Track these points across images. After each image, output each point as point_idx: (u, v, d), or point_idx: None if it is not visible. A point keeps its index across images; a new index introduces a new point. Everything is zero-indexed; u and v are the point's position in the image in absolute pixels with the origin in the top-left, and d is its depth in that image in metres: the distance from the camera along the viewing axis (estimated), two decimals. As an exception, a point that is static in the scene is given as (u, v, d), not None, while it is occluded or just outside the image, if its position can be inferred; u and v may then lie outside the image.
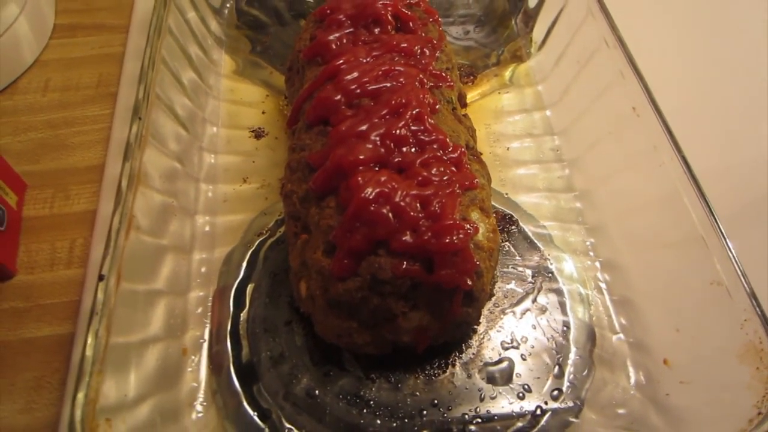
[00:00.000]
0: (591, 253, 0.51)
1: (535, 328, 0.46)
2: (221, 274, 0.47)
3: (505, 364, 0.44)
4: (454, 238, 0.37)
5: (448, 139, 0.42)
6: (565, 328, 0.46)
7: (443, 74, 0.48)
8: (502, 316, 0.46)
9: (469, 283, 0.38)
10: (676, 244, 0.45)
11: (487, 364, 0.44)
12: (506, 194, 0.54)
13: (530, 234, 0.52)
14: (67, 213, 0.53)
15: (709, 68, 0.66)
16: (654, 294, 0.46)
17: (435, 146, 0.41)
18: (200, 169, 0.53)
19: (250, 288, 0.47)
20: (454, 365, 0.43)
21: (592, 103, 0.55)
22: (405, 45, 0.47)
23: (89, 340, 0.34)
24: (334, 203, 0.40)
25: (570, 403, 0.42)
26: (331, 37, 0.48)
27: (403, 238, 0.37)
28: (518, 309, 0.47)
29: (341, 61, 0.46)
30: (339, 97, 0.43)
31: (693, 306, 0.43)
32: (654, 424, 0.41)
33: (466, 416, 0.41)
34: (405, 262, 0.37)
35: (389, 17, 0.49)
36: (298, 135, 0.46)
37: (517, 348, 0.45)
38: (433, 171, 0.40)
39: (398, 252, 0.37)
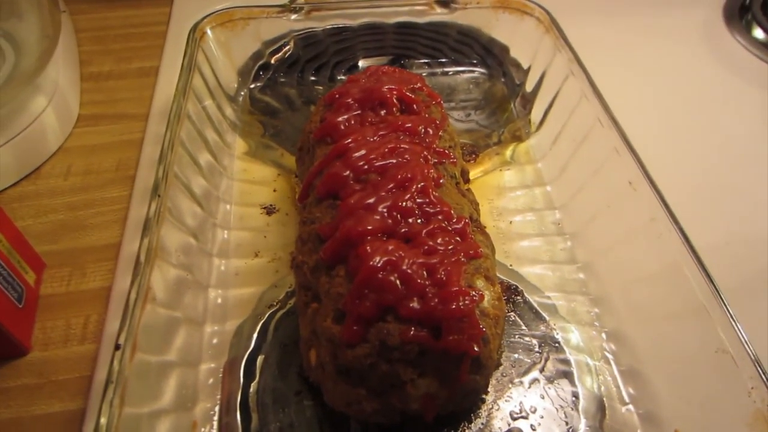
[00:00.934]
0: (596, 323, 0.51)
1: (543, 398, 0.46)
2: (232, 345, 0.48)
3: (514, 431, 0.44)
4: (460, 304, 0.38)
5: (452, 211, 0.44)
6: (574, 399, 0.46)
7: (446, 151, 0.51)
8: (510, 385, 0.46)
9: (476, 349, 0.38)
10: (679, 313, 0.46)
11: (497, 435, 0.43)
12: (510, 265, 0.55)
13: (535, 305, 0.52)
14: (83, 290, 0.54)
15: (703, 144, 0.69)
16: (661, 364, 0.46)
17: (440, 217, 0.43)
18: (214, 245, 0.55)
19: (260, 359, 0.47)
20: (463, 436, 0.43)
21: (590, 179, 0.57)
22: (409, 125, 0.51)
23: (104, 409, 0.34)
24: (344, 272, 0.41)
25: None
26: (340, 119, 0.52)
27: (411, 305, 0.38)
28: (526, 379, 0.47)
29: (349, 140, 0.49)
30: (348, 172, 0.46)
31: (700, 375, 0.43)
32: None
33: (478, 491, 0.40)
34: (413, 328, 0.38)
35: (394, 100, 0.53)
36: (308, 209, 0.48)
37: (526, 418, 0.44)
38: (439, 240, 0.42)
39: (406, 318, 0.38)
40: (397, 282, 0.39)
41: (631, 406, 0.46)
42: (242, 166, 0.64)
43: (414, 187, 0.44)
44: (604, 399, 0.46)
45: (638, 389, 0.46)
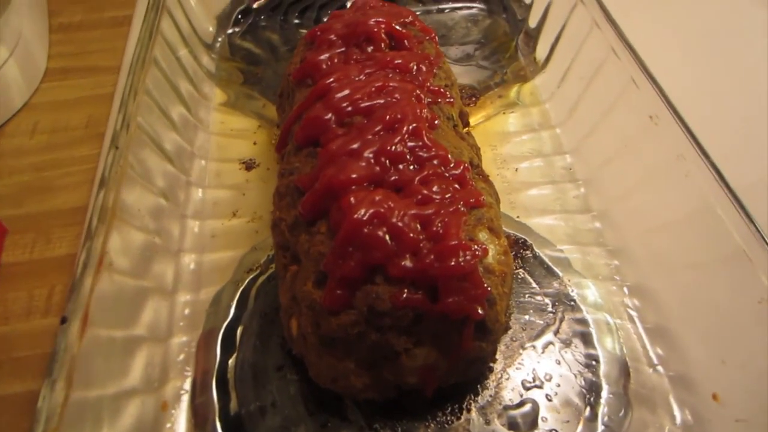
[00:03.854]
0: (616, 278, 0.46)
1: (559, 363, 0.41)
2: (208, 316, 0.43)
3: (527, 407, 0.39)
4: (461, 260, 0.33)
5: (449, 155, 0.38)
6: (594, 363, 0.41)
7: (442, 90, 0.45)
8: (521, 351, 0.41)
9: (480, 312, 0.33)
10: (711, 261, 0.40)
11: (507, 408, 0.38)
12: (517, 217, 0.50)
13: (546, 259, 0.47)
14: (48, 258, 0.49)
15: (731, 75, 0.63)
16: (692, 319, 0.41)
17: (435, 162, 0.38)
18: (187, 205, 0.50)
19: (239, 331, 0.42)
20: (469, 410, 0.38)
21: (604, 117, 0.51)
22: (400, 61, 0.44)
23: (44, 392, 0.29)
24: (325, 228, 0.36)
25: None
26: (322, 57, 0.45)
27: (402, 263, 0.33)
28: (539, 343, 0.42)
29: (331, 80, 0.42)
30: (329, 115, 0.40)
31: (739, 330, 0.37)
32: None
33: (486, 469, 0.36)
34: (406, 291, 0.33)
35: (382, 35, 0.47)
36: (287, 159, 0.42)
37: (540, 387, 0.39)
38: (434, 188, 0.36)
39: (397, 279, 0.33)
40: (386, 237, 0.33)
41: (660, 368, 0.40)
42: (220, 118, 0.58)
43: (405, 128, 0.38)
44: (628, 361, 0.41)
45: (667, 349, 0.41)
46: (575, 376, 0.40)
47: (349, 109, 0.40)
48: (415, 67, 0.45)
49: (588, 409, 0.38)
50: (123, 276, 0.38)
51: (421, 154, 0.38)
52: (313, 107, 0.42)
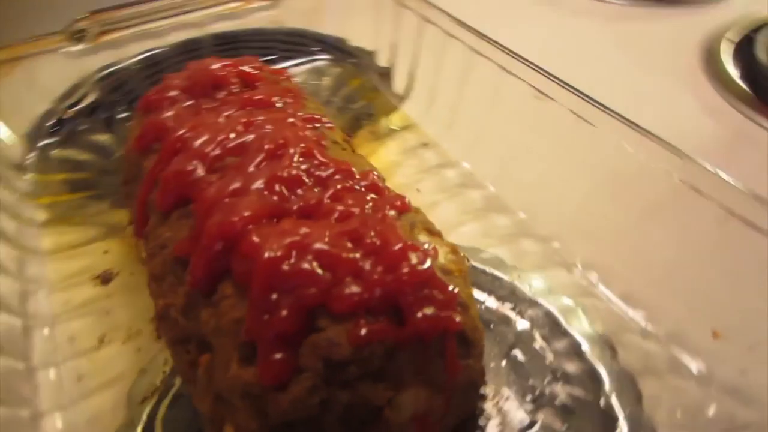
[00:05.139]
0: (562, 260, 0.42)
1: (547, 362, 0.34)
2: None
3: (541, 418, 0.31)
4: (414, 264, 0.26)
5: (353, 168, 0.32)
6: (579, 349, 0.35)
7: (316, 116, 0.39)
8: (502, 364, 0.34)
9: (458, 319, 0.26)
10: (646, 206, 0.38)
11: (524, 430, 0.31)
12: (438, 235, 0.44)
13: (483, 265, 0.42)
14: None
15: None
16: (653, 270, 0.37)
17: (338, 177, 0.31)
18: (31, 353, 0.37)
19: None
20: (486, 451, 0.30)
21: (487, 115, 0.49)
22: (260, 97, 0.39)
23: None
24: (231, 289, 0.27)
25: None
26: (166, 115, 0.38)
27: (347, 291, 0.25)
28: (517, 350, 0.35)
29: (184, 131, 0.35)
30: (194, 164, 0.32)
31: (706, 260, 0.35)
32: (747, 418, 0.30)
33: None
34: (363, 324, 0.25)
35: (231, 79, 0.41)
36: (152, 236, 0.33)
37: (543, 394, 0.33)
38: (350, 202, 0.29)
39: (347, 314, 0.25)
40: (315, 267, 0.25)
41: (649, 327, 0.36)
42: (52, 240, 0.46)
43: (292, 151, 0.32)
44: (611, 336, 0.36)
45: (644, 309, 0.37)
46: (567, 373, 0.34)
47: (217, 151, 0.33)
48: (279, 101, 0.39)
49: (602, 400, 0.32)
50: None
51: (320, 173, 0.31)
52: (170, 165, 0.33)
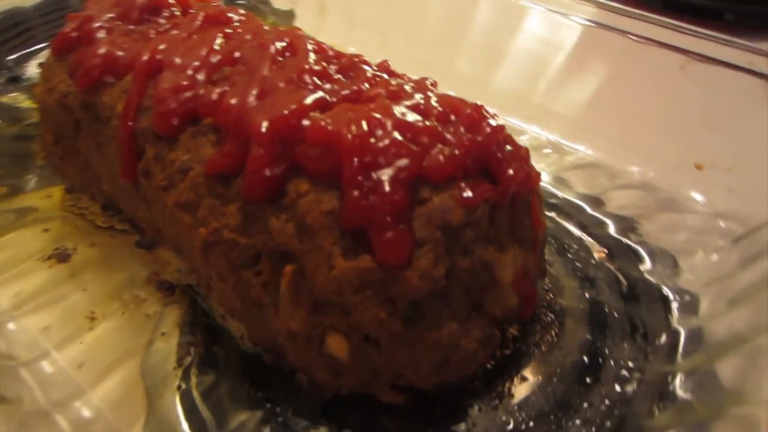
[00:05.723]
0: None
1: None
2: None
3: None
4: (492, 123, 0.25)
5: (364, 57, 0.30)
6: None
7: (280, 28, 0.36)
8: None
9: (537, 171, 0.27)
10: (609, 72, 0.41)
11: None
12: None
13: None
14: None
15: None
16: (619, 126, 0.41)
17: (363, 66, 0.29)
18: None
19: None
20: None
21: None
22: (218, 14, 0.34)
23: None
24: (307, 185, 0.24)
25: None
26: (109, 43, 0.32)
27: (441, 158, 0.24)
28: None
29: (158, 48, 0.30)
30: (191, 78, 0.28)
31: (680, 99, 0.38)
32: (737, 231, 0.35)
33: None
34: (465, 187, 0.24)
35: (170, 2, 0.35)
36: (161, 165, 0.28)
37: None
38: (393, 84, 0.28)
39: (446, 179, 0.24)
40: (403, 140, 0.24)
41: (634, 174, 0.39)
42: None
43: (308, 46, 0.29)
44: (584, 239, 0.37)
45: (625, 168, 0.39)
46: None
47: (213, 60, 0.29)
48: (235, 16, 0.35)
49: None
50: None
51: (340, 64, 0.29)
52: (158, 84, 0.28)
